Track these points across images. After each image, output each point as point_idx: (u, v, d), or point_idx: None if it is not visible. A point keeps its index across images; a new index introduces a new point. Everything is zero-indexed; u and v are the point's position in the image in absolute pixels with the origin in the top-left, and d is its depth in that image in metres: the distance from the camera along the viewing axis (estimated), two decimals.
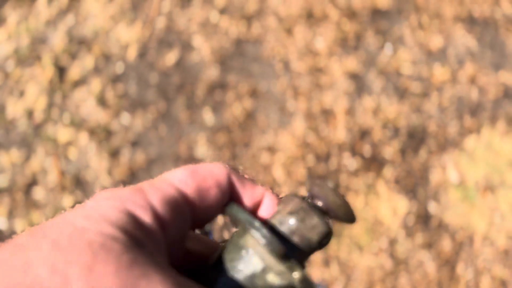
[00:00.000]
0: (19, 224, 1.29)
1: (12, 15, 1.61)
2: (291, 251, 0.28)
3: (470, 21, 1.68)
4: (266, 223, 0.30)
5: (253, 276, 0.27)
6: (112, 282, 0.20)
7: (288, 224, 0.29)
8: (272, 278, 0.27)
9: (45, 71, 1.50)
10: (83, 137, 1.42)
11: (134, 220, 0.24)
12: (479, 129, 1.47)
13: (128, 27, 1.61)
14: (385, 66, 1.57)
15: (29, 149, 1.39)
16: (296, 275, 0.26)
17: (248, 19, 1.65)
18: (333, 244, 1.28)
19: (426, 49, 1.62)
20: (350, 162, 1.40)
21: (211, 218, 0.31)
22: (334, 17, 1.67)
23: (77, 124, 1.43)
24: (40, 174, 1.36)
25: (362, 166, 1.39)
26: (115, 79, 1.52)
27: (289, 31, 1.63)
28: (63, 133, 1.41)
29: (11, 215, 1.30)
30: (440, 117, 1.49)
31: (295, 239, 0.28)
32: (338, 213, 0.29)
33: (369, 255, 1.29)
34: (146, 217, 0.24)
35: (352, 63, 1.58)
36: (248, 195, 0.30)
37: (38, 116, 1.44)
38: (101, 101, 1.47)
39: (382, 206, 1.34)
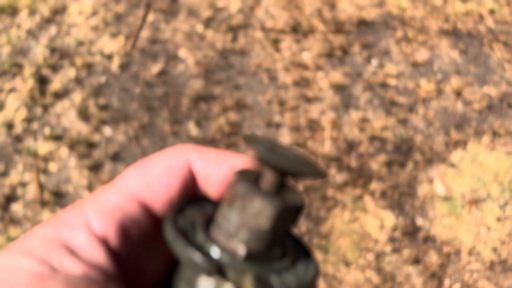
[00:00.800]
0: None
1: None
2: (251, 249, 0.24)
3: (455, 35, 1.69)
4: (210, 221, 0.26)
5: None
6: None
7: (229, 219, 0.24)
8: None
9: (25, 83, 1.47)
10: (64, 150, 1.38)
11: (60, 245, 0.23)
12: (465, 142, 1.47)
13: (111, 39, 1.59)
14: (371, 79, 1.57)
15: (7, 163, 1.35)
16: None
17: (234, 31, 1.64)
18: (319, 259, 1.26)
19: (412, 62, 1.62)
20: (337, 175, 1.39)
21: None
22: (321, 30, 1.67)
23: (58, 137, 1.40)
24: (19, 189, 1.32)
25: (349, 180, 1.38)
26: (98, 91, 1.49)
27: (275, 44, 1.63)
28: (43, 146, 1.38)
29: None
30: (426, 130, 1.49)
31: (245, 235, 0.24)
32: (291, 171, 0.23)
33: (356, 270, 1.27)
34: (78, 237, 0.24)
35: (338, 76, 1.57)
36: (215, 175, 0.26)
37: (18, 128, 1.40)
38: (83, 114, 1.44)
39: (369, 220, 1.32)
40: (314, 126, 1.47)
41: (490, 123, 1.51)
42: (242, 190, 0.24)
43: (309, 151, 1.42)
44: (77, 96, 1.47)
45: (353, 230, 1.30)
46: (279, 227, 0.24)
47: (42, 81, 1.48)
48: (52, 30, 1.59)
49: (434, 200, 1.36)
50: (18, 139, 1.39)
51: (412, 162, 1.43)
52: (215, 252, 0.24)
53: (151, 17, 1.64)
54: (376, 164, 1.41)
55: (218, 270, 0.23)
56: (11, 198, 1.30)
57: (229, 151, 0.27)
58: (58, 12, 1.63)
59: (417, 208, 1.35)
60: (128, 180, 0.26)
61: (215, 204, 0.28)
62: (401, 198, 1.37)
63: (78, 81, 1.50)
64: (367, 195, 1.36)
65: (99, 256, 0.24)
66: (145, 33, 1.61)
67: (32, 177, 1.34)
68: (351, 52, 1.63)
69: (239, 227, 0.24)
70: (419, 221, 1.34)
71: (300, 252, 0.27)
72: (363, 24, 1.69)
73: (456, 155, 1.44)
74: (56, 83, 1.48)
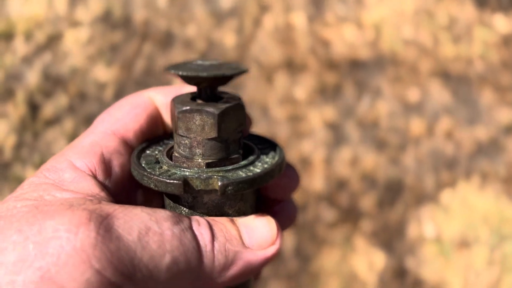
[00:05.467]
0: None
1: None
2: (211, 161, 0.26)
3: (445, 77, 1.72)
4: (171, 152, 0.29)
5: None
6: (15, 238, 0.21)
7: (183, 143, 0.27)
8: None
9: (17, 109, 1.46)
10: None
11: (49, 185, 0.25)
12: (454, 183, 1.47)
13: (106, 68, 1.59)
14: (363, 117, 1.59)
15: None
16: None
17: None
18: None
19: (403, 101, 1.64)
20: (327, 213, 1.38)
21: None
22: (314, 67, 1.69)
23: None
24: None
25: (339, 218, 1.37)
26: (90, 119, 1.48)
27: (269, 79, 1.64)
28: (32, 174, 1.36)
29: None
30: (416, 170, 1.50)
31: (200, 150, 0.26)
32: (213, 79, 0.25)
33: None
34: (65, 176, 0.25)
35: (330, 112, 1.58)
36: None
37: (7, 154, 1.38)
38: None
39: (359, 260, 1.31)
40: (305, 162, 1.48)
41: (480, 165, 1.53)
42: (180, 112, 0.26)
43: (300, 188, 1.42)
44: (68, 124, 1.46)
45: (342, 270, 1.29)
46: (226, 131, 0.26)
47: (34, 108, 1.48)
48: (47, 56, 1.59)
49: (423, 241, 1.36)
50: (7, 165, 1.37)
51: (402, 202, 1.43)
52: (179, 172, 0.26)
53: (147, 47, 1.66)
54: (366, 203, 1.41)
55: (184, 184, 0.25)
56: None
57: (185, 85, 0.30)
58: (54, 39, 1.64)
59: (406, 248, 1.35)
60: (100, 122, 0.28)
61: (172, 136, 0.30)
62: (390, 238, 1.36)
63: (71, 109, 1.49)
64: (357, 234, 1.35)
65: (89, 187, 0.25)
66: (140, 63, 1.62)
67: None
68: (344, 89, 1.65)
69: (192, 145, 0.26)
70: (408, 262, 1.33)
71: (267, 146, 0.30)
72: (355, 62, 1.72)
73: (445, 196, 1.45)
74: (48, 110, 1.48)
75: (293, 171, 0.31)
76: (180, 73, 0.25)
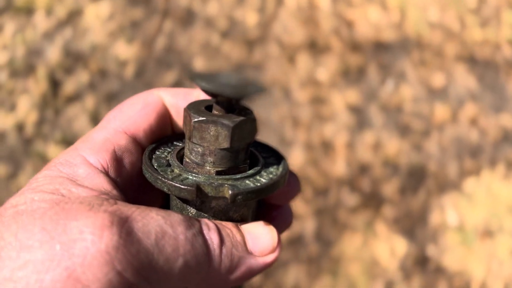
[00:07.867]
0: None
1: (9, 25, 1.56)
2: (221, 169, 0.28)
3: (471, 62, 1.68)
4: (182, 155, 0.29)
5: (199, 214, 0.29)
6: (40, 237, 0.22)
7: (195, 150, 0.28)
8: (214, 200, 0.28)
9: (38, 85, 1.45)
10: None
11: (64, 179, 0.25)
12: (478, 171, 1.45)
13: (127, 45, 1.57)
14: (386, 101, 1.56)
15: (16, 165, 1.33)
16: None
17: (250, 44, 1.63)
18: (328, 284, 1.24)
19: (428, 86, 1.61)
20: (349, 198, 1.37)
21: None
22: (337, 48, 1.65)
23: (69, 141, 1.38)
24: None
25: (360, 203, 1.36)
26: (110, 97, 1.47)
27: (291, 59, 1.61)
28: (53, 150, 1.36)
29: None
30: (440, 157, 1.47)
31: (211, 158, 0.27)
32: (232, 95, 0.26)
33: None
34: (79, 171, 0.26)
35: (353, 95, 1.56)
36: (183, 106, 0.30)
37: (29, 130, 1.38)
38: (95, 118, 1.42)
39: (380, 246, 1.30)
40: (327, 145, 1.46)
41: (505, 153, 1.50)
42: (196, 122, 0.27)
43: (321, 171, 1.40)
44: (89, 101, 1.45)
45: (363, 256, 1.28)
46: (238, 142, 0.27)
47: (55, 84, 1.47)
48: (68, 32, 1.58)
49: (446, 229, 1.34)
50: (28, 141, 1.37)
51: (425, 189, 1.41)
52: (191, 178, 0.27)
53: (168, 25, 1.63)
54: (388, 189, 1.40)
55: (197, 190, 0.26)
56: None
57: (194, 88, 0.31)
58: (75, 14, 1.62)
59: (428, 236, 1.33)
60: (111, 119, 0.29)
61: (183, 139, 0.31)
62: (413, 225, 1.35)
63: (92, 85, 1.48)
64: (379, 220, 1.34)
65: (102, 183, 0.26)
66: (161, 41, 1.60)
67: None
68: (367, 72, 1.62)
69: (205, 153, 0.28)
70: (430, 250, 1.32)
71: (271, 156, 0.32)
72: (380, 45, 1.68)
73: (469, 184, 1.42)
74: (69, 86, 1.47)
75: (295, 179, 0.33)
76: (203, 85, 0.26)
